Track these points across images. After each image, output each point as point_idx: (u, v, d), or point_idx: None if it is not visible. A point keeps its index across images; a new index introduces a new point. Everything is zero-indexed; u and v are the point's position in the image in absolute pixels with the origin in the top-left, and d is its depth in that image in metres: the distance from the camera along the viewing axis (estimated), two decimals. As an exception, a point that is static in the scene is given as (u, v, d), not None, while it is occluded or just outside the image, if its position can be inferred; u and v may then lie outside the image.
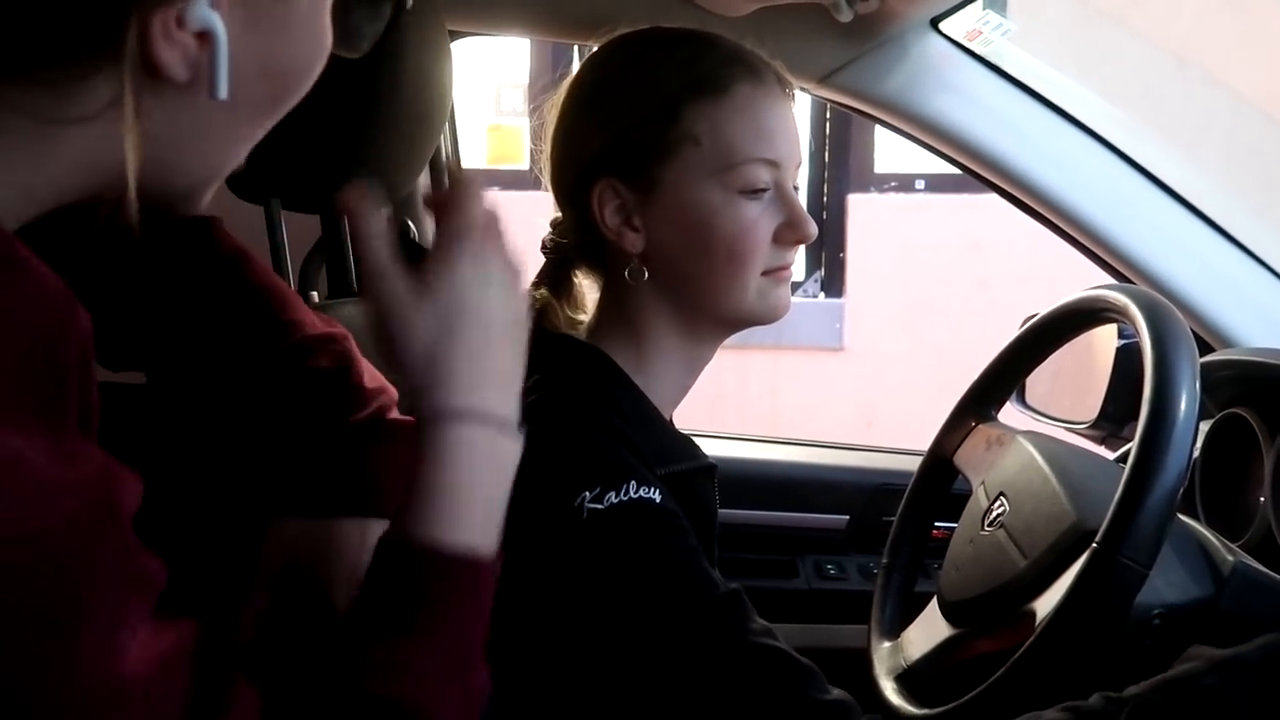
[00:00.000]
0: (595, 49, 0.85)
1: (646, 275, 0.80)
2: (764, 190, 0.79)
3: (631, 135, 0.79)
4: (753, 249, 0.79)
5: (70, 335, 0.39)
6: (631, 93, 0.79)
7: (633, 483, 0.72)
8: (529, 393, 0.76)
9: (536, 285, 0.86)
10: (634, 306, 0.83)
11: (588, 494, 0.71)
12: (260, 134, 0.47)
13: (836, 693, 0.74)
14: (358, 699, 0.43)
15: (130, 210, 0.41)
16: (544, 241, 0.87)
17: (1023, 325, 1.02)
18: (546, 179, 0.86)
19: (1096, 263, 1.28)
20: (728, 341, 0.89)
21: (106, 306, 0.51)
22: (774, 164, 0.80)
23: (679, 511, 0.75)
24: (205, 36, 0.40)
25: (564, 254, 0.86)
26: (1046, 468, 0.86)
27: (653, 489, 0.73)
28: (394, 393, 0.59)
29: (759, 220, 0.79)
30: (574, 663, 0.75)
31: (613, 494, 0.71)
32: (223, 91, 0.41)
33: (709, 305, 0.82)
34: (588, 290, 0.88)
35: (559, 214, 0.87)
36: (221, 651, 0.42)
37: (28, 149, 0.41)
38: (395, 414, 0.58)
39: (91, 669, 0.36)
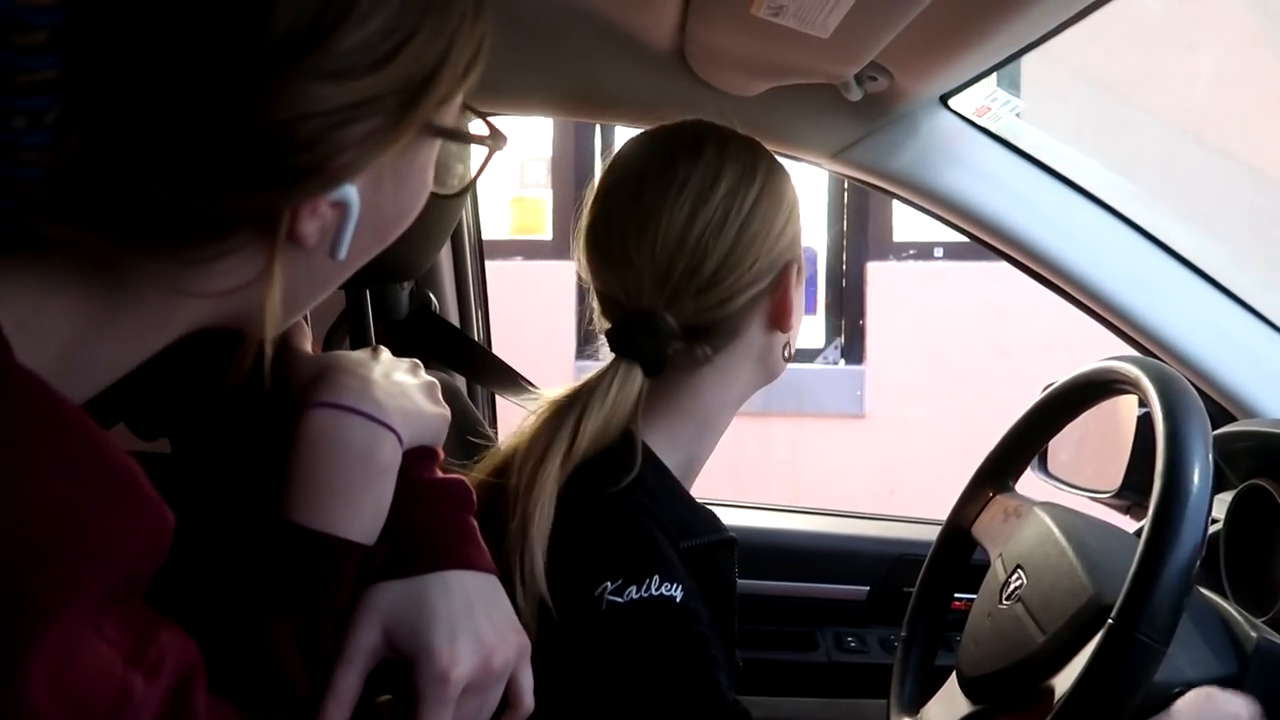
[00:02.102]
0: (722, 148, 0.85)
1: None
2: None
3: (799, 222, 0.88)
4: None
5: (161, 554, 0.41)
6: (792, 186, 0.88)
7: (656, 578, 0.72)
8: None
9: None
10: (696, 383, 0.85)
11: (609, 584, 0.71)
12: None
13: None
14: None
15: (251, 355, 0.44)
16: (661, 327, 0.82)
17: (1042, 393, 1.02)
18: (710, 270, 0.81)
19: (1110, 329, 1.28)
20: (749, 409, 0.90)
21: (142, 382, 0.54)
22: None
23: (700, 614, 0.74)
24: (339, 206, 0.43)
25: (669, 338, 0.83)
26: (1064, 540, 0.85)
27: (676, 585, 0.72)
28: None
29: None
30: None
31: (634, 588, 0.71)
32: (343, 254, 0.44)
33: (778, 369, 0.89)
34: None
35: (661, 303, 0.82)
36: None
37: (156, 316, 0.43)
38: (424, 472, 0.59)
39: None
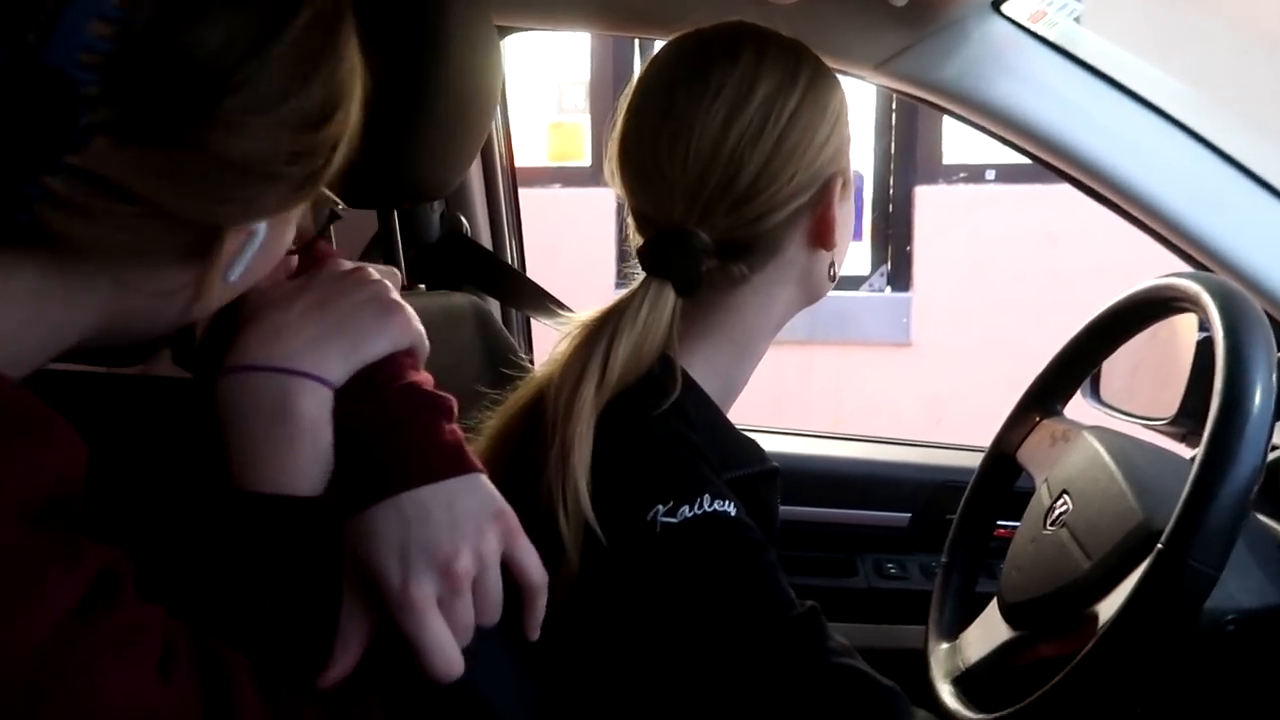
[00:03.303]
0: (750, 48, 0.80)
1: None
2: None
3: (846, 132, 0.84)
4: None
5: (78, 482, 0.45)
6: (838, 94, 0.83)
7: (706, 495, 0.70)
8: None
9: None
10: (736, 305, 0.82)
11: (661, 507, 0.70)
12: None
13: (923, 715, 0.71)
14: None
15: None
16: (693, 244, 0.79)
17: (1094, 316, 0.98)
18: (745, 183, 0.77)
19: (1175, 253, 1.22)
20: (791, 337, 0.87)
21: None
22: None
23: (754, 525, 0.73)
24: (250, 235, 0.51)
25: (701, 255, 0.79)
26: (1113, 465, 0.83)
27: (727, 502, 0.71)
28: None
29: None
30: (648, 680, 0.73)
31: (686, 507, 0.70)
32: (235, 276, 0.51)
33: (821, 290, 0.86)
34: None
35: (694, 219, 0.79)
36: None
37: (94, 306, 0.49)
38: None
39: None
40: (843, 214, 0.84)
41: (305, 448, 0.52)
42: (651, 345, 0.78)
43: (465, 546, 0.52)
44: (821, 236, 0.83)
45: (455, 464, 0.54)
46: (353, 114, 0.52)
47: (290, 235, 0.56)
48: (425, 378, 0.56)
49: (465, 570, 0.51)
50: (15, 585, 0.41)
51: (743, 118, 0.78)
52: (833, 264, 0.86)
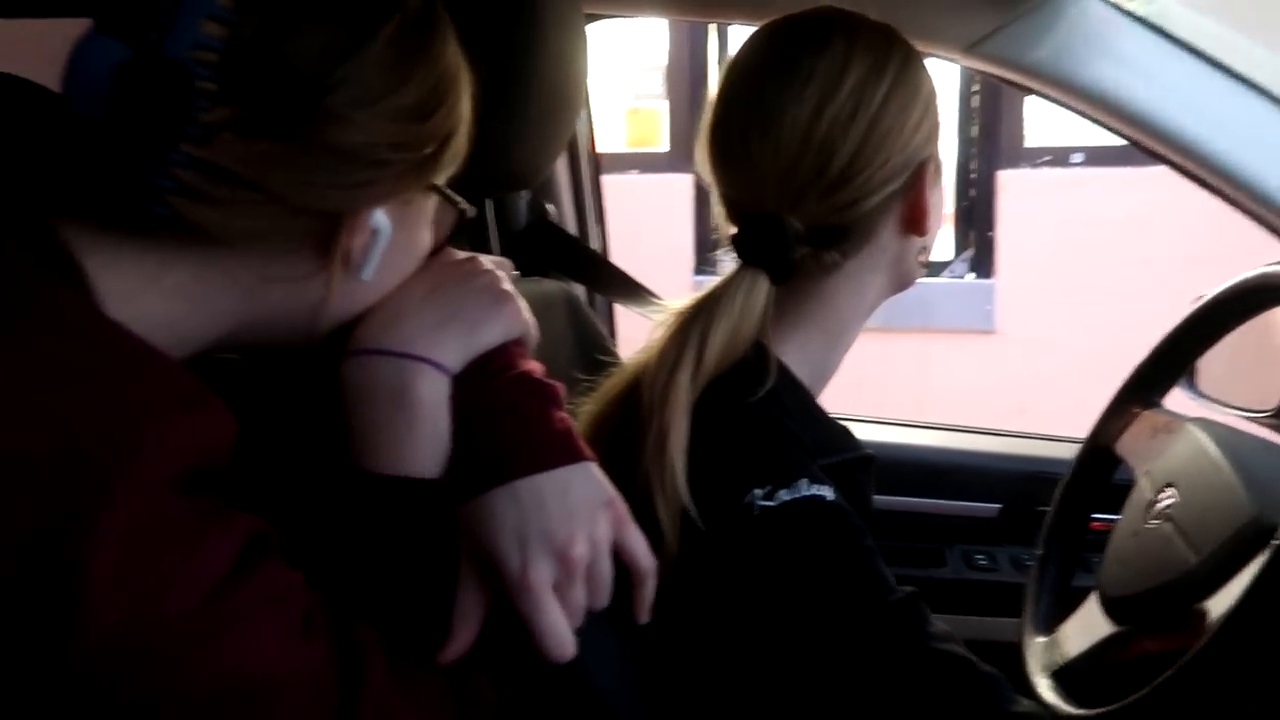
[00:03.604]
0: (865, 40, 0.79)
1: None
2: None
3: (937, 116, 0.83)
4: None
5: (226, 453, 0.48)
6: (929, 78, 0.82)
7: (804, 480, 0.70)
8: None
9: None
10: (827, 291, 0.82)
11: (758, 491, 0.70)
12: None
13: (1026, 704, 0.70)
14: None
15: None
16: (786, 231, 0.78)
17: (1193, 306, 0.95)
18: (838, 169, 0.77)
19: (1277, 237, 1.17)
20: (871, 324, 0.87)
21: None
22: None
23: (851, 509, 0.73)
24: (375, 233, 0.53)
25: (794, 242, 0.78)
26: (1221, 457, 0.80)
27: (825, 486, 0.71)
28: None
29: None
30: (746, 663, 0.73)
31: (784, 491, 0.70)
32: (368, 273, 0.54)
33: (913, 276, 0.85)
34: None
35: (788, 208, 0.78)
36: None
37: (236, 299, 0.52)
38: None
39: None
40: (934, 199, 0.83)
41: (423, 431, 0.53)
42: (746, 332, 0.78)
43: (580, 533, 0.53)
44: (913, 222, 0.82)
45: (568, 452, 0.55)
46: (461, 110, 0.54)
47: (426, 238, 0.58)
48: (535, 365, 0.58)
49: (580, 556, 0.53)
50: (175, 546, 0.43)
51: (834, 104, 0.77)
52: (924, 250, 0.85)
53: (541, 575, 0.52)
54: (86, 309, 0.46)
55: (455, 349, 0.55)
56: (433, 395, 0.54)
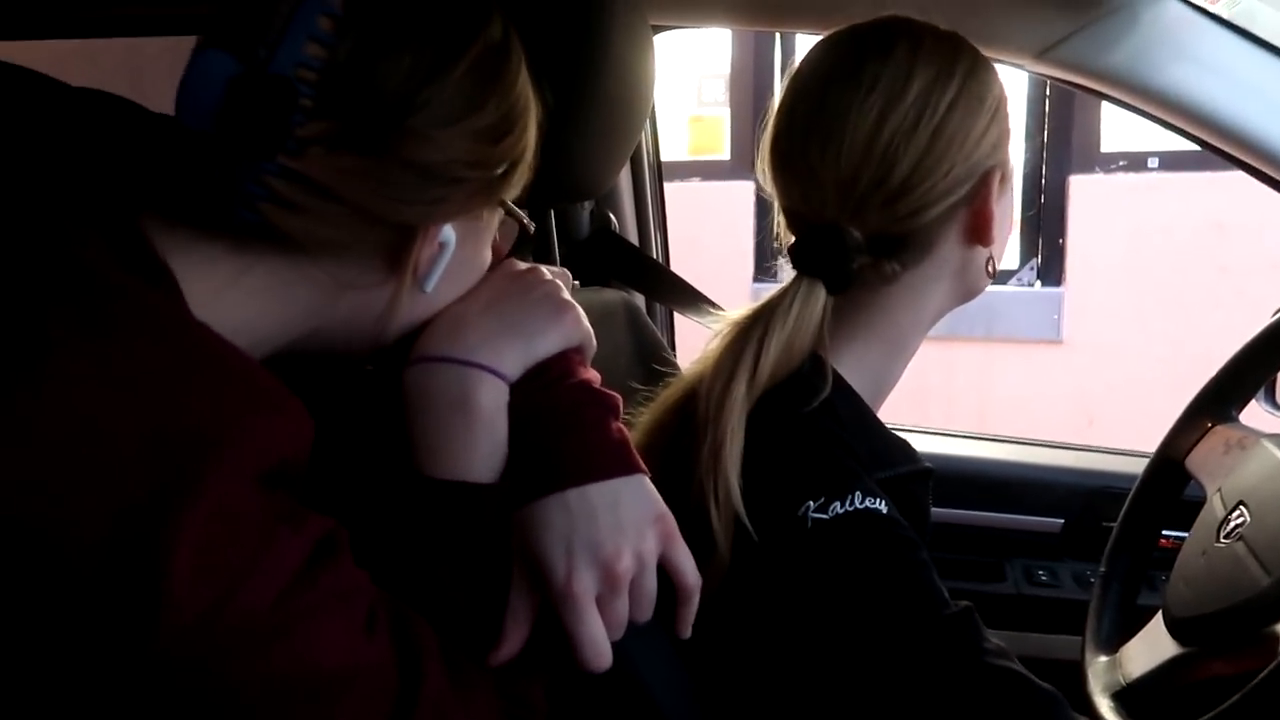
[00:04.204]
0: (923, 44, 0.79)
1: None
2: None
3: (1006, 124, 0.81)
4: None
5: (304, 454, 0.49)
6: (997, 84, 0.81)
7: (858, 493, 0.70)
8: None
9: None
10: (885, 302, 0.81)
11: (811, 504, 0.70)
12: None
13: None
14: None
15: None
16: (845, 241, 0.78)
17: (1273, 316, 0.92)
18: (899, 179, 0.76)
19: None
20: (934, 332, 0.86)
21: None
22: None
23: (905, 522, 0.72)
24: (442, 245, 0.55)
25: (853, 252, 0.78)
26: (1297, 476, 0.78)
27: (879, 499, 0.71)
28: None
29: None
30: (799, 675, 0.73)
31: (838, 504, 0.69)
32: (430, 285, 0.56)
33: (978, 286, 0.84)
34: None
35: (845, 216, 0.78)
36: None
37: (313, 303, 0.54)
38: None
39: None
40: (1001, 208, 0.81)
41: (482, 437, 0.55)
42: (802, 343, 0.78)
43: (627, 547, 0.54)
44: (978, 232, 0.80)
45: (621, 463, 0.56)
46: (530, 135, 0.57)
47: (487, 254, 0.60)
48: (593, 375, 0.59)
49: (626, 570, 0.54)
50: (251, 542, 0.45)
51: (897, 113, 0.76)
52: (990, 260, 0.83)
53: (585, 585, 0.53)
54: (178, 312, 0.48)
55: (514, 357, 0.56)
56: (492, 402, 0.55)
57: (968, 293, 0.85)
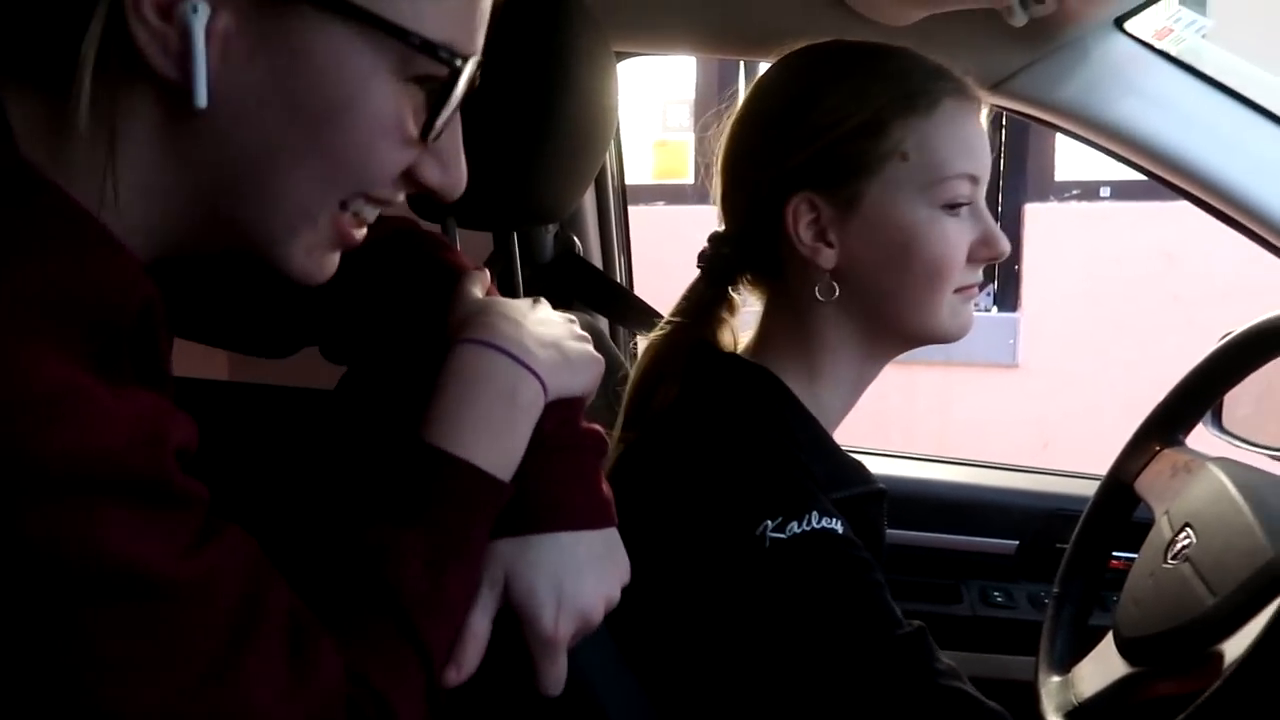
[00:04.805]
0: (777, 62, 0.83)
1: (837, 292, 0.79)
2: (964, 205, 0.78)
3: (837, 149, 0.77)
4: (953, 266, 0.78)
5: (129, 305, 0.44)
6: (836, 106, 0.78)
7: (815, 513, 0.71)
8: (692, 408, 0.78)
9: (690, 300, 0.86)
10: (812, 325, 0.82)
11: (769, 523, 0.70)
12: (329, 186, 0.48)
13: None
14: (343, 576, 0.49)
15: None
16: (704, 254, 0.87)
17: (1219, 342, 0.95)
18: (716, 192, 0.85)
19: (1306, 277, 1.17)
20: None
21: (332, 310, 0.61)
22: (975, 179, 0.79)
23: (860, 543, 0.73)
24: (183, 34, 0.42)
25: (728, 269, 0.85)
26: (1240, 498, 0.80)
27: (835, 520, 0.72)
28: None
29: (960, 237, 0.78)
30: (750, 695, 0.74)
31: (795, 524, 0.70)
32: (201, 98, 0.42)
33: (899, 323, 0.81)
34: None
35: (721, 227, 0.87)
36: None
37: (153, 153, 0.46)
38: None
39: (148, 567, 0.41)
40: None
41: (511, 432, 0.54)
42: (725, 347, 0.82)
43: (603, 601, 0.56)
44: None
45: (607, 515, 0.57)
46: None
47: (336, 72, 0.45)
48: (594, 426, 0.59)
49: (597, 620, 0.56)
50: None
51: None
52: None
53: (566, 633, 0.54)
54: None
55: (558, 380, 0.56)
56: (531, 407, 0.55)
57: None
